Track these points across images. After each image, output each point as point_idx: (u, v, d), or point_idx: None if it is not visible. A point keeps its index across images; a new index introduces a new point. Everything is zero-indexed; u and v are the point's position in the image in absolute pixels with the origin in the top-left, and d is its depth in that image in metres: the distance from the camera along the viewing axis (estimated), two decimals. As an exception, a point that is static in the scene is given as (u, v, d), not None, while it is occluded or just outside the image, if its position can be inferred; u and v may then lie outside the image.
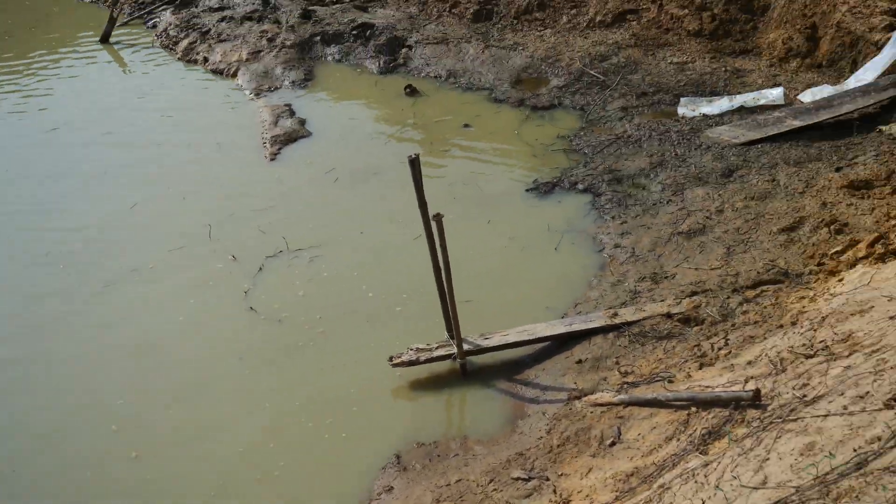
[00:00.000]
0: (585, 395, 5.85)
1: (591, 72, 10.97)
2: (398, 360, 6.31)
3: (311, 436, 5.97)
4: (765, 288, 6.64)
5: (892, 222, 7.04)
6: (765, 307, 6.35)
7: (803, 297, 6.33)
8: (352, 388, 6.32)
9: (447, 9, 12.95)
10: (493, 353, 6.46)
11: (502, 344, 6.41)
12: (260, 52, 12.72)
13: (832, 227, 7.17)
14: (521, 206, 8.58)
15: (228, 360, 6.75)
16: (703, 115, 9.65)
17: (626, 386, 5.78)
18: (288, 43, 12.80)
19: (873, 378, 4.74)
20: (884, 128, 8.50)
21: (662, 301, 6.65)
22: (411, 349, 6.39)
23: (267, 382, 6.49)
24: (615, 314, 6.55)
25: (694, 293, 6.68)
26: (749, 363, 5.56)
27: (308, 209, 8.85)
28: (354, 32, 12.83)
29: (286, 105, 11.32)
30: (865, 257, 6.63)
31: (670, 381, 5.66)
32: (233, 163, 10.03)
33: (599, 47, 11.42)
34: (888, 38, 9.12)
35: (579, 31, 11.85)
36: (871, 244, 6.70)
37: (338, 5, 13.86)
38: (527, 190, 8.81)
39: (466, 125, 10.40)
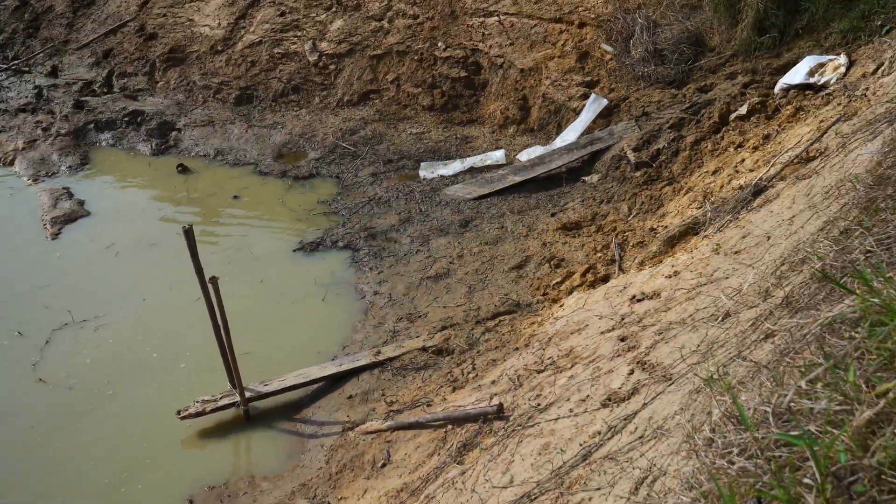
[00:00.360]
0: (358, 426, 6.20)
1: (343, 144, 11.47)
2: (186, 413, 6.39)
3: (107, 491, 5.91)
4: (502, 318, 7.30)
5: (598, 255, 7.96)
6: (503, 334, 6.99)
7: (533, 323, 7.02)
8: (144, 443, 6.33)
9: (211, 95, 13.13)
10: (274, 398, 6.69)
11: (281, 388, 6.65)
12: (36, 140, 12.34)
13: (552, 262, 7.99)
14: (289, 265, 8.87)
15: (19, 431, 6.53)
16: (441, 176, 10.34)
17: (392, 413, 6.19)
18: (63, 131, 12.50)
19: (591, 384, 5.37)
20: (586, 178, 9.53)
21: (418, 337, 7.15)
22: (197, 401, 6.49)
23: (60, 448, 6.35)
24: (378, 352, 6.97)
25: (444, 328, 7.24)
26: (493, 382, 6.10)
27: (91, 282, 8.69)
28: (126, 119, 12.73)
29: (64, 188, 11.00)
30: (580, 285, 7.45)
31: (429, 405, 6.12)
32: (15, 244, 9.62)
33: (349, 123, 11.95)
34: (583, 105, 10.25)
35: (330, 109, 12.37)
36: (584, 274, 7.55)
37: (108, 95, 13.69)
38: (294, 250, 9.11)
39: (236, 196, 10.58)
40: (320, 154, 11.41)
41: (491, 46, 11.42)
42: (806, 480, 2.49)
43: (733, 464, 2.80)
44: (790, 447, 2.78)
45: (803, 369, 3.30)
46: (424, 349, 6.94)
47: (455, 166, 10.45)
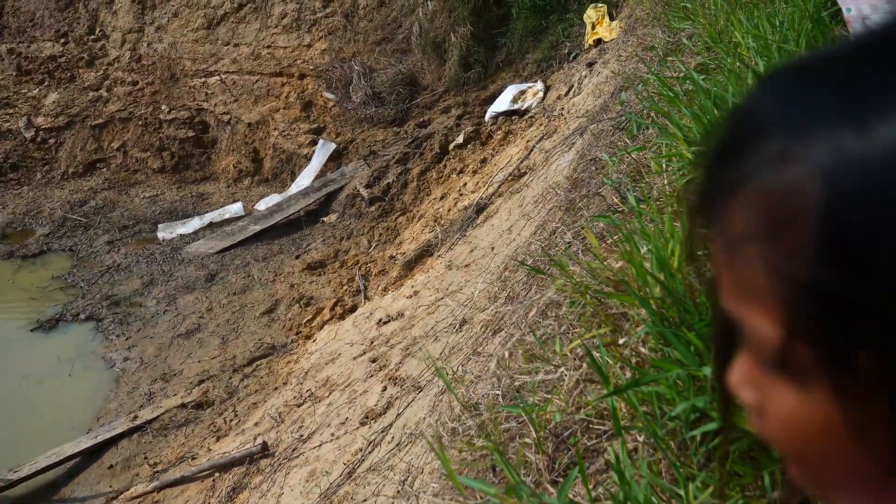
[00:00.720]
0: (122, 494, 5.77)
1: (73, 216, 10.73)
2: (-79, 519, 5.64)
3: None
4: (259, 362, 7.12)
5: (345, 288, 8.00)
6: (261, 377, 6.82)
7: (290, 362, 6.92)
8: None
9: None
10: (28, 483, 6.06)
11: (33, 472, 6.05)
12: None
13: (301, 302, 7.93)
14: (28, 346, 8.11)
15: None
16: (181, 235, 9.97)
17: (157, 474, 5.82)
18: None
19: (349, 406, 5.37)
20: (325, 219, 9.58)
21: (176, 395, 6.80)
22: (-66, 503, 5.76)
23: None
24: (136, 417, 6.54)
25: (202, 381, 6.94)
26: (256, 424, 5.93)
27: None
28: None
29: None
30: (330, 319, 7.45)
31: (194, 458, 5.82)
32: None
33: (77, 194, 11.22)
34: (313, 151, 10.33)
35: (55, 183, 11.55)
36: (332, 308, 7.56)
37: None
38: (31, 330, 8.35)
39: (-43, 285, 9.55)
40: (49, 229, 10.61)
41: (216, 105, 11.23)
42: (526, 440, 2.61)
43: (473, 444, 2.89)
44: (518, 419, 2.91)
45: (522, 352, 3.48)
46: (184, 405, 6.60)
47: (194, 224, 10.12)
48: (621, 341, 2.37)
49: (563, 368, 2.91)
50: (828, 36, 4.25)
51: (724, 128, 0.59)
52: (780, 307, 0.55)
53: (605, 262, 2.44)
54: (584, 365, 2.56)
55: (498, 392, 3.42)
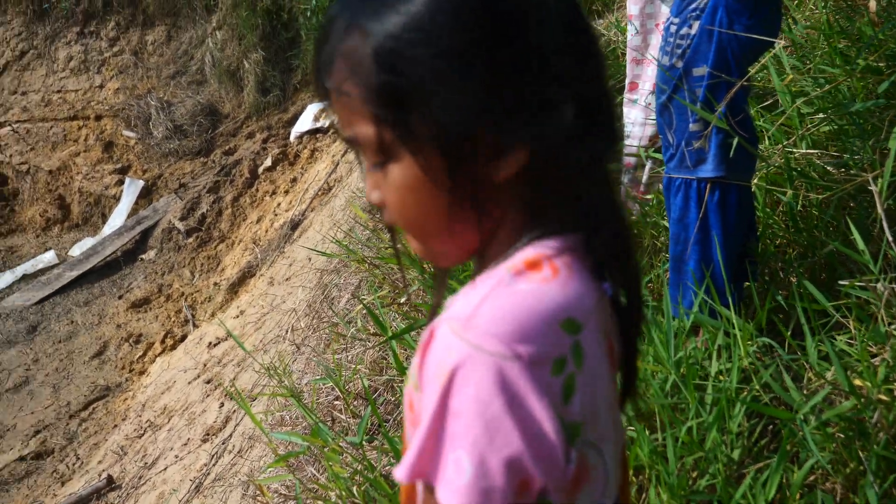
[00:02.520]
0: (-34, 557, 5.63)
1: None
2: None
3: None
4: (95, 404, 7.07)
5: (173, 320, 8.05)
6: (99, 419, 6.80)
7: (126, 399, 6.93)
8: None
9: None
10: None
11: None
12: None
13: (131, 340, 7.90)
14: None
15: None
16: (-7, 292, 9.60)
17: (1, 530, 5.73)
18: None
19: (189, 428, 5.52)
20: (143, 256, 9.51)
21: (12, 449, 6.65)
22: None
23: None
24: (-30, 479, 6.36)
25: (38, 432, 6.81)
26: (99, 462, 5.96)
27: None
28: None
29: None
30: (162, 352, 7.50)
31: (40, 506, 5.78)
32: None
33: None
34: (122, 191, 10.21)
35: None
36: (163, 340, 7.61)
37: None
38: None
39: None
40: None
41: (11, 156, 10.83)
42: (338, 403, 2.98)
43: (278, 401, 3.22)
44: (334, 390, 3.27)
45: (335, 337, 3.85)
46: (22, 458, 6.48)
47: (6, 278, 9.75)
48: (402, 300, 2.78)
49: (367, 341, 3.31)
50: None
51: (318, 31, 0.91)
52: (369, 111, 0.86)
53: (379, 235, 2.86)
54: (384, 338, 2.95)
55: (316, 375, 3.79)
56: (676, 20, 2.26)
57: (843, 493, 1.89)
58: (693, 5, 2.21)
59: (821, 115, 2.34)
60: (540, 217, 0.91)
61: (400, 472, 0.81)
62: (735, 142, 2.16)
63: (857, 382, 1.88)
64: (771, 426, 2.09)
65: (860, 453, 1.81)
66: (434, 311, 1.00)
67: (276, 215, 8.94)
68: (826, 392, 1.89)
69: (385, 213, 0.94)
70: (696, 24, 2.18)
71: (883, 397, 1.81)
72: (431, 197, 0.89)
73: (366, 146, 0.90)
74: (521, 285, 0.83)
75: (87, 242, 10.02)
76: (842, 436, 1.87)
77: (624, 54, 4.13)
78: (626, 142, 3.16)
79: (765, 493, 1.85)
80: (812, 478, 1.95)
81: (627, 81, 3.26)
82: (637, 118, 3.19)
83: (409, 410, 0.94)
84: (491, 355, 0.77)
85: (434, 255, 0.96)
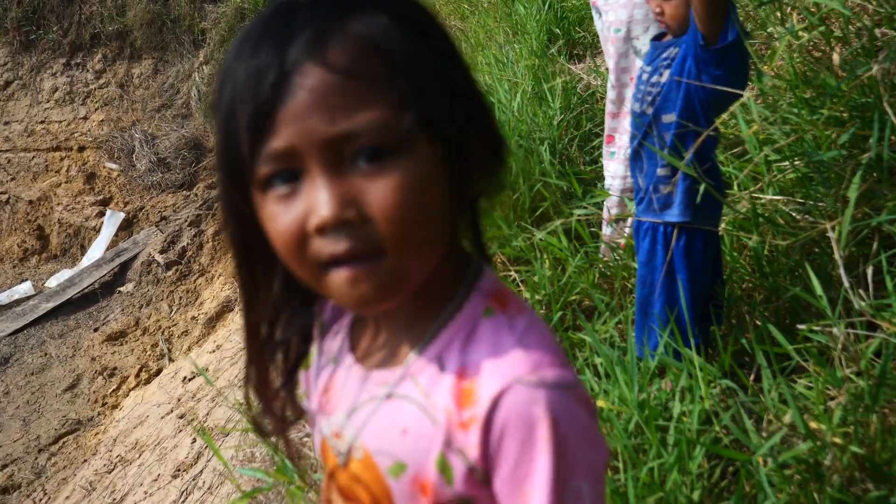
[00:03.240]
0: (-75, 593, 5.54)
1: None
2: None
3: None
4: (65, 439, 7.02)
5: (149, 354, 8.02)
6: (69, 453, 6.74)
7: (98, 433, 6.88)
8: None
9: None
10: None
11: None
12: None
13: (105, 373, 7.86)
14: None
15: None
16: (-33, 322, 9.54)
17: (-37, 565, 5.65)
18: None
19: (160, 463, 5.49)
20: (122, 289, 9.50)
21: (-24, 484, 6.59)
22: None
23: None
24: (-67, 513, 6.28)
25: (5, 466, 6.75)
26: (67, 498, 5.90)
27: None
28: None
29: None
30: (136, 386, 7.46)
31: (3, 542, 5.71)
32: None
33: None
34: (102, 222, 10.22)
35: None
36: (137, 374, 7.57)
37: None
38: None
39: None
40: None
41: (-8, 185, 10.86)
42: (307, 439, 3.00)
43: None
44: (303, 426, 3.28)
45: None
46: (-13, 493, 6.42)
47: (-25, 309, 9.70)
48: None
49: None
50: (554, 68, 4.99)
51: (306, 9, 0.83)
52: (394, 92, 0.80)
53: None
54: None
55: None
56: (648, 68, 2.35)
57: (800, 535, 1.93)
58: (664, 54, 2.30)
59: (786, 164, 2.42)
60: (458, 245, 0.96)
61: None
62: (702, 188, 2.23)
63: (814, 425, 1.93)
64: (731, 467, 2.13)
65: (815, 495, 1.85)
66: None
67: (257, 250, 8.94)
68: (782, 434, 1.93)
69: (359, 231, 0.81)
70: (666, 73, 2.26)
71: (837, 440, 1.86)
72: (436, 198, 0.85)
73: (373, 135, 0.80)
74: (520, 321, 0.89)
75: (65, 274, 10.00)
76: (798, 477, 1.92)
77: (602, 98, 4.24)
78: (608, 193, 3.23)
79: (722, 535, 1.89)
80: (770, 520, 1.98)
81: (605, 135, 3.33)
82: (617, 171, 3.26)
83: (420, 493, 0.91)
84: (571, 386, 0.86)
85: (406, 278, 0.86)
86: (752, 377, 2.28)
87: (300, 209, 0.81)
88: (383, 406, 0.93)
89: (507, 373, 0.84)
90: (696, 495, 2.04)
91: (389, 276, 0.83)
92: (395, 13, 0.83)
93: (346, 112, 0.78)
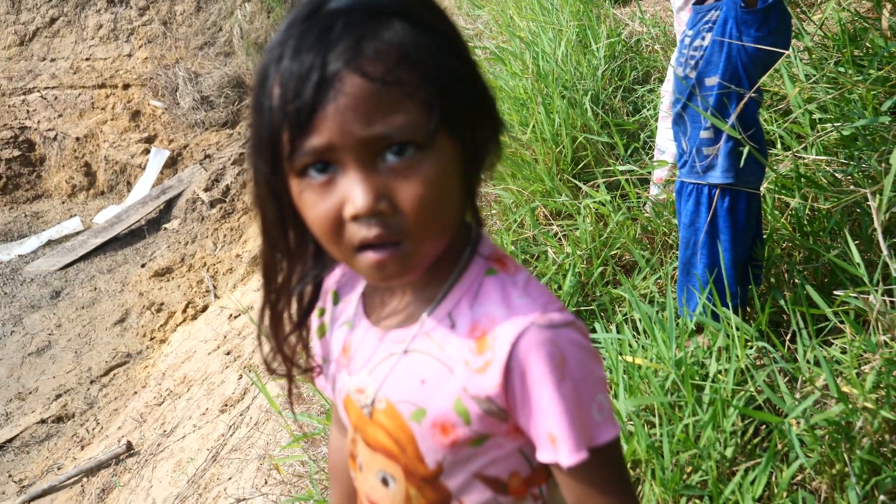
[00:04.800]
0: (-11, 514, 5.88)
1: None
2: None
3: None
4: (116, 371, 7.29)
5: (195, 290, 8.23)
6: (120, 385, 7.01)
7: (147, 366, 7.13)
8: None
9: None
10: None
11: None
12: None
13: (152, 308, 8.10)
14: None
15: None
16: (19, 256, 9.84)
17: (23, 489, 5.96)
18: None
19: (208, 398, 5.70)
20: (167, 226, 9.70)
21: (34, 412, 6.89)
22: None
23: None
24: (-6, 439, 6.61)
25: (59, 396, 7.04)
26: (119, 428, 6.16)
27: None
28: None
29: None
30: (183, 321, 7.69)
31: (60, 469, 6.00)
32: None
33: None
34: (147, 160, 10.40)
35: None
36: (184, 310, 7.80)
37: None
38: None
39: None
40: None
41: (39, 122, 11.05)
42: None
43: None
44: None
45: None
46: (43, 421, 6.72)
47: (32, 243, 9.99)
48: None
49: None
50: (599, 12, 4.94)
51: (342, 21, 0.91)
52: (422, 97, 0.90)
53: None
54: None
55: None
56: (691, 32, 2.36)
57: (828, 492, 2.00)
58: (706, 17, 2.30)
59: (829, 125, 2.43)
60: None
61: (570, 458, 0.98)
62: (745, 150, 2.26)
63: (846, 389, 1.98)
64: (764, 425, 2.20)
65: (845, 456, 1.92)
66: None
67: (298, 189, 9.04)
68: (815, 397, 1.99)
69: (388, 220, 0.93)
70: (708, 36, 2.27)
71: (869, 405, 1.91)
72: (454, 188, 0.98)
73: (404, 135, 0.91)
74: (519, 277, 1.04)
75: (112, 210, 10.22)
76: (829, 438, 1.98)
77: (648, 47, 4.20)
78: (658, 157, 3.24)
79: (752, 491, 1.97)
80: (799, 477, 2.06)
81: (666, 101, 3.22)
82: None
83: (442, 436, 1.04)
84: (573, 322, 1.00)
85: (424, 259, 0.99)
86: (787, 338, 2.33)
87: (336, 199, 0.93)
88: (401, 361, 1.05)
89: (521, 319, 0.98)
90: (728, 452, 2.11)
91: (410, 258, 0.96)
92: (421, 22, 0.93)
93: (381, 116, 0.89)
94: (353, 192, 0.92)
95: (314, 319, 1.18)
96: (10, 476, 6.21)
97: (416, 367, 1.04)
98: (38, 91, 11.16)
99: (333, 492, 1.38)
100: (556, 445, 0.98)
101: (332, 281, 1.19)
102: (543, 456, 1.00)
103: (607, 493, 1.01)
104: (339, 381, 1.14)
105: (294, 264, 1.08)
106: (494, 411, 1.00)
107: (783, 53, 2.19)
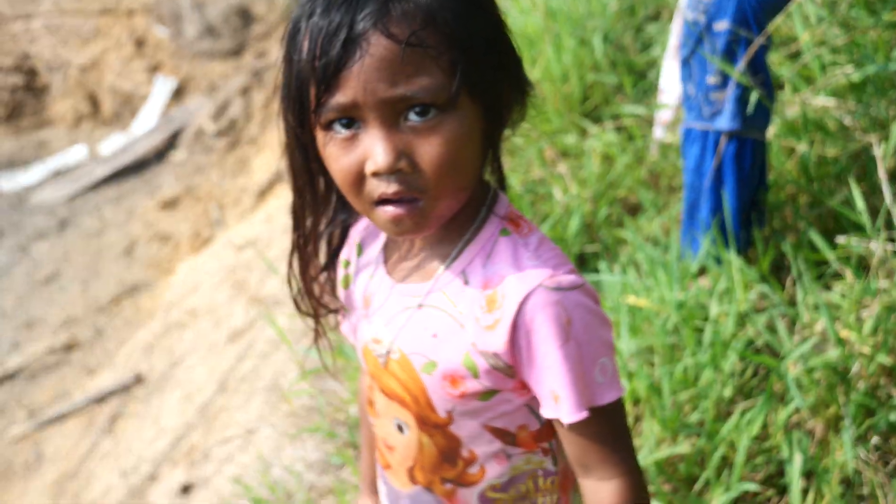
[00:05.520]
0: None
1: None
2: None
3: None
4: (123, 301, 7.38)
5: (201, 221, 8.28)
6: (127, 315, 7.11)
7: (154, 297, 7.22)
8: None
9: None
10: None
11: None
12: None
13: (159, 239, 8.16)
14: None
15: None
16: (25, 185, 9.86)
17: (32, 416, 6.10)
18: None
19: (215, 329, 5.79)
20: (173, 156, 9.69)
21: (42, 341, 7.00)
22: None
23: None
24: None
25: (67, 325, 7.15)
26: (126, 358, 6.27)
27: None
28: None
29: None
30: (190, 252, 7.76)
31: (69, 396, 6.13)
32: None
33: None
34: (152, 89, 10.33)
35: None
36: (191, 241, 7.86)
37: None
38: None
39: None
40: None
41: (43, 49, 10.94)
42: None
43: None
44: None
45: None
46: (52, 350, 6.83)
47: (38, 171, 10.00)
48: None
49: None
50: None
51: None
52: (447, 59, 0.95)
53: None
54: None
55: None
56: (702, -25, 2.34)
57: (823, 433, 2.06)
58: None
59: (839, 71, 2.42)
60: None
61: (570, 416, 1.03)
62: (753, 96, 2.26)
63: (844, 334, 2.03)
64: (763, 367, 2.25)
65: (840, 398, 1.98)
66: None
67: (305, 121, 8.99)
68: (814, 341, 2.04)
69: (408, 178, 0.99)
70: None
71: (865, 350, 1.96)
72: (475, 149, 1.03)
73: (427, 97, 0.96)
74: (532, 238, 1.07)
75: (118, 139, 10.19)
76: (825, 382, 2.04)
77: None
78: (663, 98, 3.22)
79: (749, 430, 2.03)
80: (795, 419, 2.12)
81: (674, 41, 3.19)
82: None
83: (451, 387, 1.10)
84: (581, 285, 1.04)
85: (440, 216, 1.06)
86: (788, 282, 2.37)
87: (359, 154, 0.99)
88: (416, 314, 1.11)
89: (530, 280, 1.02)
90: (727, 392, 2.17)
91: (426, 215, 1.02)
92: None
93: (405, 77, 0.94)
94: (374, 149, 0.97)
95: (339, 270, 1.23)
96: (20, 403, 6.35)
97: (430, 320, 1.10)
98: (41, 18, 11.03)
99: (364, 431, 1.45)
100: (559, 403, 1.03)
101: (356, 233, 1.24)
102: (546, 412, 1.07)
103: (606, 450, 1.06)
104: (359, 330, 1.20)
105: (321, 210, 1.13)
106: (501, 367, 1.05)
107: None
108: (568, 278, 1.02)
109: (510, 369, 1.05)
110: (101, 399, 5.72)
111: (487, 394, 1.07)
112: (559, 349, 1.00)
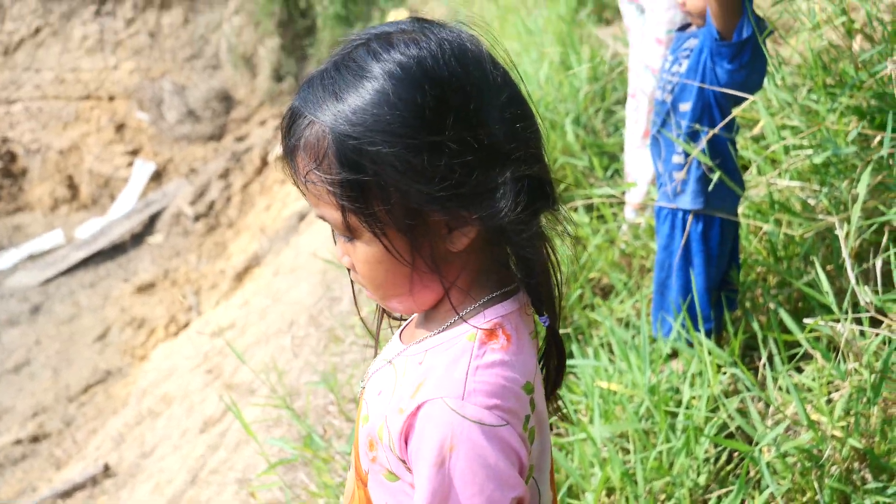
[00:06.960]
0: (-37, 534, 5.84)
1: None
2: None
3: None
4: (95, 389, 7.27)
5: (177, 306, 8.24)
6: (99, 403, 6.99)
7: (127, 384, 7.12)
8: None
9: None
10: None
11: None
12: None
13: (134, 324, 8.10)
14: None
15: None
16: (-1, 270, 9.81)
17: (-2, 510, 5.93)
18: None
19: (188, 417, 5.68)
20: (151, 240, 9.71)
21: (9, 431, 6.86)
22: None
23: None
24: (-31, 458, 6.57)
25: (36, 414, 7.02)
26: (97, 448, 6.14)
27: None
28: None
29: None
30: (165, 338, 7.69)
31: (34, 490, 5.97)
32: None
33: None
34: (132, 173, 10.41)
35: None
36: (166, 327, 7.80)
37: None
38: None
39: None
40: None
41: (22, 133, 11.05)
42: (331, 408, 3.13)
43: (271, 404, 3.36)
44: (327, 393, 3.43)
45: (333, 339, 4.00)
46: (19, 441, 6.69)
47: (11, 256, 9.94)
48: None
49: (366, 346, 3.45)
50: (581, 33, 5.00)
51: (285, 119, 1.03)
52: (334, 200, 0.99)
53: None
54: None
55: (315, 377, 3.94)
56: (671, 57, 2.41)
57: (799, 521, 2.03)
58: (685, 45, 2.36)
59: (801, 153, 2.47)
60: (486, 277, 1.09)
61: None
62: (716, 176, 2.30)
63: (815, 417, 2.02)
64: (737, 452, 2.23)
65: (815, 484, 1.95)
66: (376, 343, 1.25)
67: (284, 205, 9.08)
68: (786, 425, 2.03)
69: (353, 274, 1.09)
70: (685, 63, 2.32)
71: (837, 433, 1.95)
72: (395, 267, 1.04)
73: (333, 226, 1.04)
74: (489, 356, 1.01)
75: (95, 223, 10.21)
76: (799, 466, 2.01)
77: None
78: (629, 180, 3.27)
79: (724, 519, 2.00)
80: (772, 504, 2.09)
81: (642, 129, 3.26)
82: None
83: (369, 449, 1.09)
84: (490, 426, 0.97)
85: (392, 307, 1.11)
86: (761, 363, 2.37)
87: None
88: (384, 367, 1.13)
89: (441, 389, 0.99)
90: (702, 479, 2.14)
91: (388, 306, 1.12)
92: (361, 117, 0.98)
93: (314, 203, 1.03)
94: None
95: None
96: (-16, 496, 6.19)
97: (384, 378, 1.11)
98: (22, 102, 11.17)
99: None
100: None
101: None
102: None
103: None
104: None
105: None
106: (396, 454, 1.04)
107: (754, 92, 2.25)
108: (477, 411, 0.97)
109: (401, 461, 1.04)
110: (67, 493, 5.57)
111: (391, 475, 1.07)
112: (430, 468, 0.97)
